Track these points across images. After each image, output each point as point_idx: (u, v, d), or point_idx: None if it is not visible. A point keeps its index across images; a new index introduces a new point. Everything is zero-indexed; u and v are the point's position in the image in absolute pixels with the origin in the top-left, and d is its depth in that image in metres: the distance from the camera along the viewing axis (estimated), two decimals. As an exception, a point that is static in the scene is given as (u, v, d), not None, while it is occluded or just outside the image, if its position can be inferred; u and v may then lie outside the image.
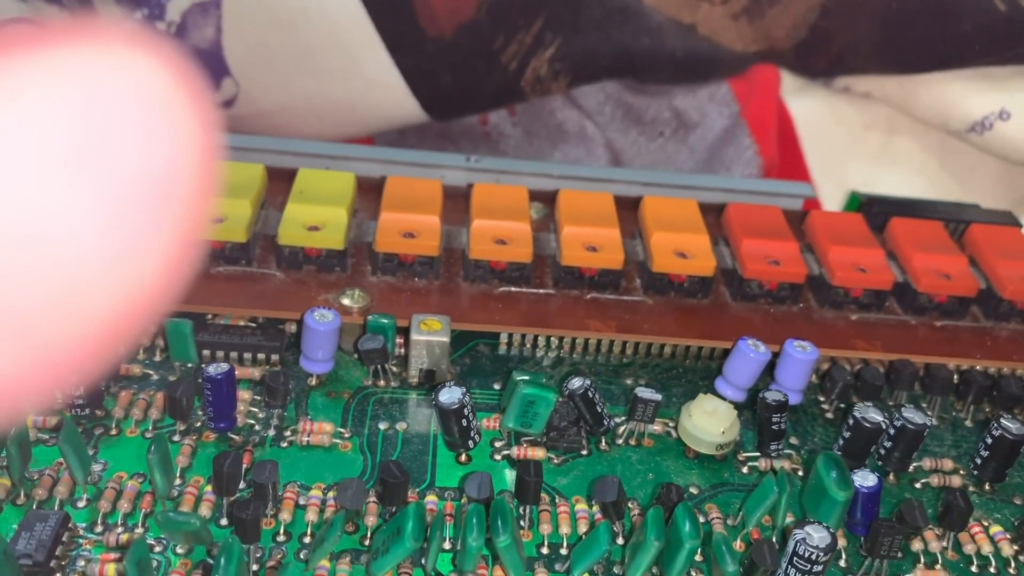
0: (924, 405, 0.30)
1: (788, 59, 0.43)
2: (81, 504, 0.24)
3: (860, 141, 0.44)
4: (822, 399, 0.30)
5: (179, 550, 0.23)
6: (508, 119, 0.43)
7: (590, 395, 0.26)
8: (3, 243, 0.08)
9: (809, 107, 0.44)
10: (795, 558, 0.22)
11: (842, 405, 0.30)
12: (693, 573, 0.24)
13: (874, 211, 0.36)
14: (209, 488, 0.24)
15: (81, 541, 0.23)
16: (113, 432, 0.26)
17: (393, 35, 0.39)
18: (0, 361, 0.09)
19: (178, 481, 0.24)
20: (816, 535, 0.22)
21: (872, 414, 0.27)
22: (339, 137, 0.43)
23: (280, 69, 0.40)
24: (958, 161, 0.43)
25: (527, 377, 0.26)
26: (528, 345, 0.30)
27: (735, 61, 0.43)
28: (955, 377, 0.30)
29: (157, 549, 0.23)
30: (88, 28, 0.09)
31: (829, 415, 0.29)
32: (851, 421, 0.27)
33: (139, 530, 0.23)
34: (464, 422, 0.26)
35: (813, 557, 0.22)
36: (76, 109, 0.08)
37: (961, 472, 0.28)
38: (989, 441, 0.27)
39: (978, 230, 0.34)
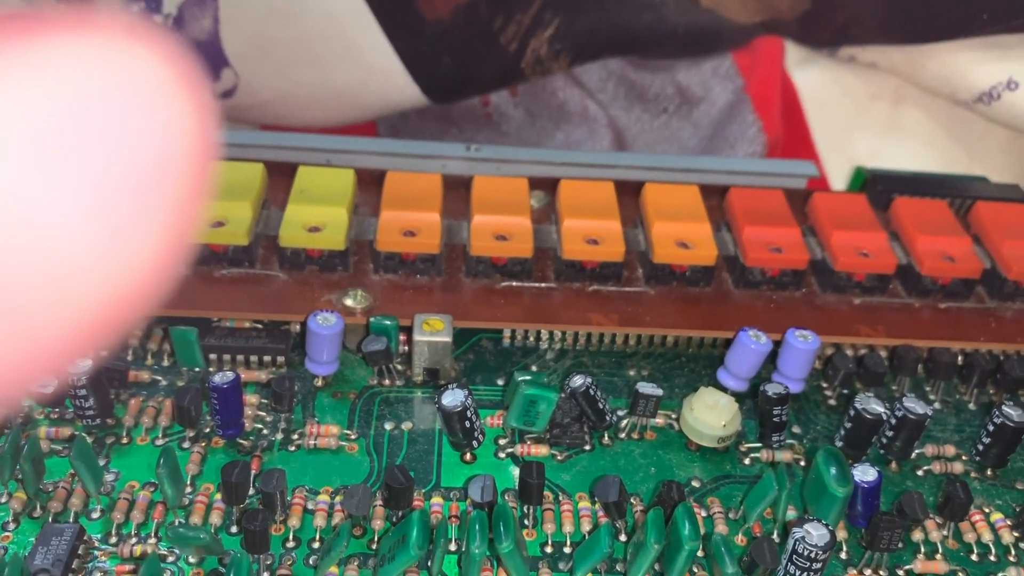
0: (928, 389, 0.30)
1: (792, 30, 0.42)
2: (95, 515, 0.24)
3: (866, 112, 0.43)
4: (825, 385, 0.30)
5: (191, 560, 0.23)
6: (510, 100, 0.43)
7: (591, 392, 0.27)
8: None
9: (814, 78, 0.43)
10: (795, 556, 0.23)
11: (845, 391, 0.30)
12: (695, 569, 0.24)
13: (879, 189, 0.36)
14: (219, 496, 0.25)
15: (96, 553, 0.23)
16: (124, 440, 0.26)
17: (391, 20, 0.39)
18: None
19: (189, 489, 0.25)
20: (815, 533, 0.23)
21: (873, 405, 0.27)
22: (341, 123, 0.43)
23: (279, 58, 0.40)
24: (966, 131, 0.42)
25: (529, 377, 0.27)
26: (531, 339, 0.30)
27: (739, 33, 0.42)
28: (959, 359, 0.31)
29: (170, 559, 0.23)
30: (84, 19, 0.09)
31: (832, 402, 0.30)
32: (852, 412, 0.27)
33: (152, 540, 0.24)
34: (467, 423, 0.26)
35: (812, 555, 0.22)
36: (71, 99, 0.08)
37: (964, 458, 0.28)
38: (991, 428, 0.27)
39: (984, 208, 0.34)
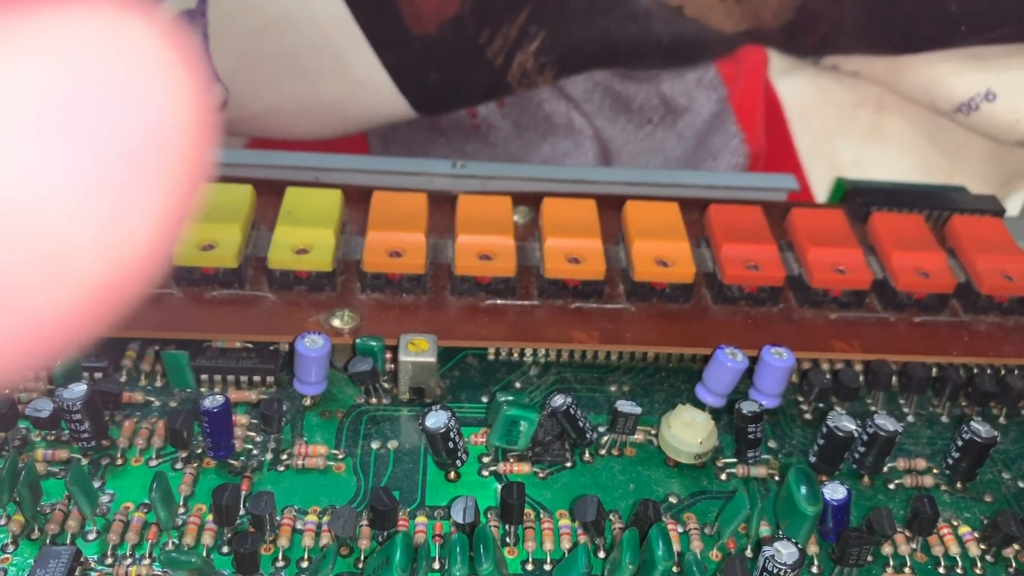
0: (902, 402, 0.31)
1: (776, 39, 0.43)
2: (91, 537, 0.25)
3: (849, 120, 0.44)
4: (801, 400, 0.31)
5: (184, 580, 0.24)
6: (497, 111, 0.43)
7: (572, 411, 0.28)
8: None
9: (798, 86, 0.44)
10: (765, 573, 0.24)
11: (820, 406, 0.31)
12: (670, 585, 0.25)
13: (858, 202, 0.37)
14: (211, 517, 0.25)
15: (92, 574, 0.24)
16: (119, 462, 0.27)
17: (378, 34, 0.40)
18: None
19: (182, 510, 0.26)
20: (785, 552, 0.24)
21: (845, 423, 0.28)
22: (330, 136, 0.43)
23: (268, 73, 0.41)
24: (947, 139, 0.43)
25: (510, 398, 0.28)
26: (515, 356, 0.31)
27: (723, 43, 0.43)
28: (933, 372, 0.31)
29: (163, 580, 0.24)
30: None
31: (808, 416, 0.30)
32: (824, 430, 0.28)
33: (146, 562, 0.24)
34: (451, 444, 0.27)
35: (781, 573, 0.23)
36: (67, 76, 0.08)
37: (934, 471, 0.29)
38: (960, 443, 0.28)
39: (959, 222, 0.35)
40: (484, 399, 0.30)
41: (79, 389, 0.26)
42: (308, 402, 0.29)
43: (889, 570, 0.26)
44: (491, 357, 0.31)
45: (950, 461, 0.28)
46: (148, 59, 0.09)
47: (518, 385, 0.31)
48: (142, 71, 0.09)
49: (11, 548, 0.25)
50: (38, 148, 0.08)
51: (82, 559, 0.24)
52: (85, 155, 0.08)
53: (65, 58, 0.08)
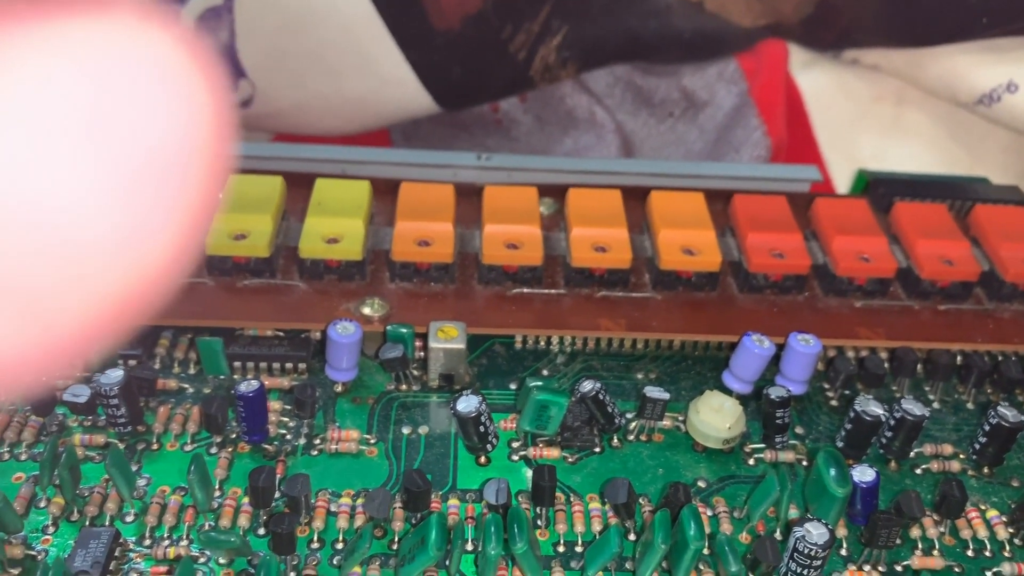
0: (927, 389, 0.31)
1: (796, 33, 0.43)
2: (129, 519, 0.25)
3: (870, 113, 0.44)
4: (827, 387, 0.31)
5: (221, 561, 0.25)
6: (519, 106, 0.44)
7: (600, 397, 0.28)
8: (13, 219, 0.08)
9: (818, 80, 0.44)
10: (795, 554, 0.24)
11: (846, 392, 0.31)
12: (701, 567, 0.25)
13: (880, 192, 0.37)
14: (247, 500, 0.26)
15: (131, 555, 0.25)
16: (154, 447, 0.28)
17: (403, 31, 0.40)
18: (11, 335, 0.09)
19: (217, 493, 0.26)
20: (815, 532, 0.24)
21: (872, 407, 0.28)
22: (355, 131, 0.44)
23: (294, 69, 0.41)
24: (967, 132, 0.43)
25: (540, 383, 0.28)
26: (542, 344, 0.32)
27: (743, 37, 0.43)
28: (958, 359, 0.31)
29: (201, 560, 0.25)
30: (102, 2, 0.09)
31: (834, 403, 0.31)
32: (852, 414, 0.28)
33: (184, 543, 0.25)
34: (482, 428, 0.27)
35: (812, 553, 0.24)
36: (87, 77, 0.08)
37: (961, 456, 0.29)
38: (987, 428, 0.28)
39: (982, 211, 0.35)
40: (512, 386, 0.30)
41: (116, 375, 0.27)
42: (340, 388, 0.30)
43: (918, 552, 0.26)
44: (518, 345, 0.32)
45: (977, 446, 0.29)
46: (169, 62, 0.09)
47: (545, 372, 0.31)
48: (163, 74, 0.09)
49: (51, 530, 0.25)
50: (62, 151, 0.08)
51: (121, 540, 0.25)
52: (109, 157, 0.08)
53: (88, 62, 0.08)
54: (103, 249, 0.09)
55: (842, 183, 0.44)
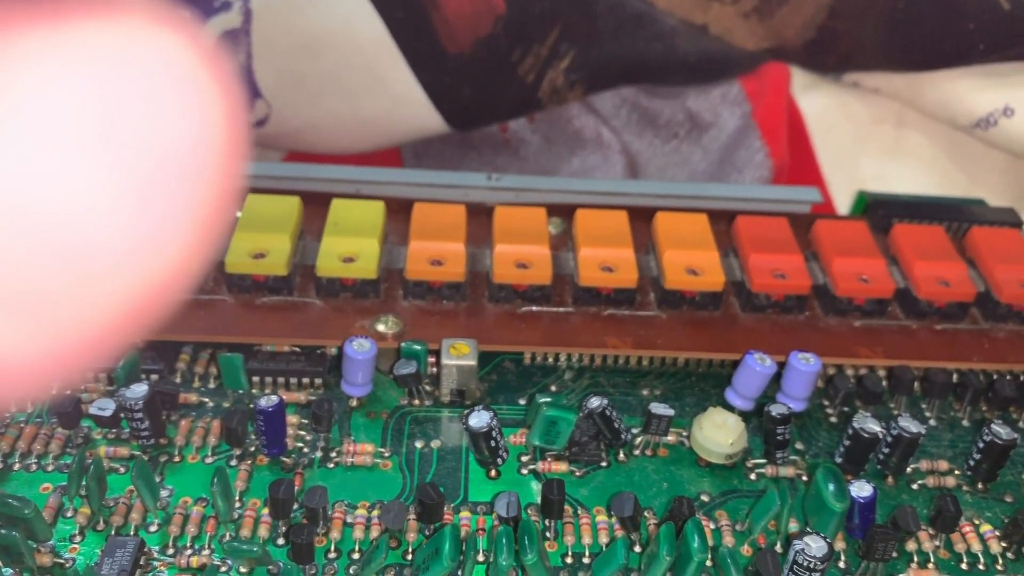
0: (924, 407, 0.32)
1: (799, 56, 0.44)
2: (153, 528, 0.26)
3: (870, 135, 0.45)
4: (827, 404, 0.32)
5: (242, 569, 0.26)
6: (528, 127, 0.45)
7: (607, 413, 0.29)
8: (25, 222, 0.08)
9: (820, 102, 0.45)
10: (795, 566, 0.25)
11: (845, 409, 0.32)
12: (704, 578, 0.26)
13: (880, 213, 0.38)
14: (266, 511, 0.27)
15: (156, 564, 0.26)
16: (176, 459, 0.29)
17: (415, 53, 0.41)
18: (23, 340, 0.09)
19: (238, 504, 0.27)
20: (814, 545, 0.25)
21: (870, 424, 0.29)
22: (367, 149, 0.45)
23: (309, 90, 0.42)
24: (966, 154, 0.44)
25: (549, 399, 0.29)
26: (551, 361, 0.33)
27: (747, 60, 0.44)
28: (954, 378, 0.32)
29: (223, 569, 0.26)
30: (114, 3, 0.09)
31: (833, 419, 0.32)
32: (850, 431, 0.29)
33: (206, 552, 0.26)
34: (493, 443, 0.28)
35: (811, 565, 0.24)
36: (102, 84, 0.08)
37: (956, 472, 0.30)
38: (981, 445, 0.29)
39: (978, 233, 0.36)
40: (521, 401, 0.31)
41: (140, 389, 0.28)
42: (355, 403, 0.31)
43: (914, 565, 0.27)
44: (527, 362, 0.33)
45: (971, 462, 0.29)
46: (186, 74, 0.09)
47: (554, 388, 0.32)
48: (180, 86, 0.09)
49: (78, 539, 0.26)
50: (76, 158, 0.08)
51: (146, 549, 0.26)
52: (123, 164, 0.08)
53: (104, 70, 0.08)
54: (114, 256, 0.09)
55: (843, 204, 0.45)
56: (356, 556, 0.26)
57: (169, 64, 0.09)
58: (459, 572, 0.25)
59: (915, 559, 0.27)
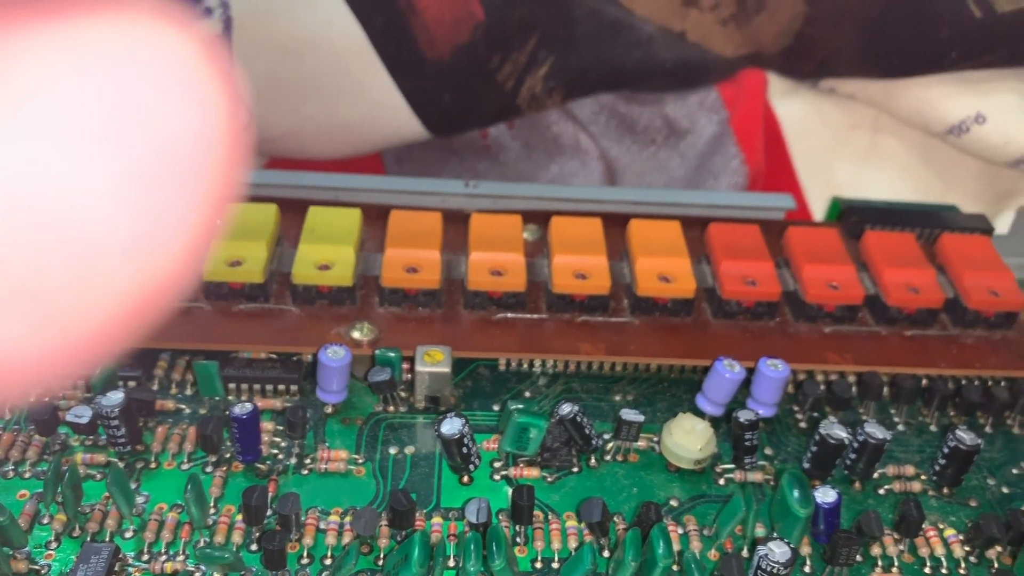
0: (892, 412, 0.33)
1: (775, 63, 0.45)
2: (128, 535, 0.27)
3: (846, 141, 0.46)
4: (796, 409, 0.32)
5: (216, 575, 0.26)
6: (507, 132, 0.45)
7: (578, 419, 0.29)
8: (26, 219, 0.08)
9: (796, 108, 0.46)
10: (759, 571, 0.25)
11: (814, 415, 0.32)
12: (671, 583, 0.27)
13: (852, 220, 0.38)
14: (240, 517, 0.27)
15: (131, 570, 0.26)
16: (152, 465, 0.29)
17: (394, 60, 0.41)
18: (23, 337, 0.09)
19: (212, 510, 0.28)
20: (778, 551, 0.25)
21: (836, 431, 0.29)
22: (348, 155, 0.45)
23: (290, 96, 0.42)
24: (940, 160, 0.44)
25: (521, 406, 0.29)
26: (525, 367, 0.33)
27: (724, 66, 0.45)
28: (923, 383, 0.33)
29: (196, 575, 0.26)
30: (114, 1, 0.09)
31: (803, 425, 0.32)
32: (817, 437, 0.29)
33: (180, 558, 0.26)
34: (465, 449, 0.28)
35: (774, 571, 0.25)
36: (103, 81, 0.08)
37: (922, 477, 0.31)
38: (946, 451, 0.29)
39: (948, 240, 0.36)
40: (495, 407, 0.32)
41: (116, 397, 0.28)
42: (330, 410, 0.31)
43: (878, 570, 0.28)
44: (502, 368, 0.33)
45: (937, 467, 0.30)
46: (187, 73, 0.09)
47: (528, 394, 0.32)
48: (181, 85, 0.09)
49: (54, 545, 0.26)
50: (76, 154, 0.08)
51: (120, 555, 0.26)
52: (123, 161, 0.09)
53: (103, 69, 0.08)
54: (111, 256, 0.09)
55: (819, 209, 0.45)
56: (328, 562, 0.26)
57: (170, 61, 0.09)
58: (429, 577, 0.26)
59: (879, 563, 0.28)
